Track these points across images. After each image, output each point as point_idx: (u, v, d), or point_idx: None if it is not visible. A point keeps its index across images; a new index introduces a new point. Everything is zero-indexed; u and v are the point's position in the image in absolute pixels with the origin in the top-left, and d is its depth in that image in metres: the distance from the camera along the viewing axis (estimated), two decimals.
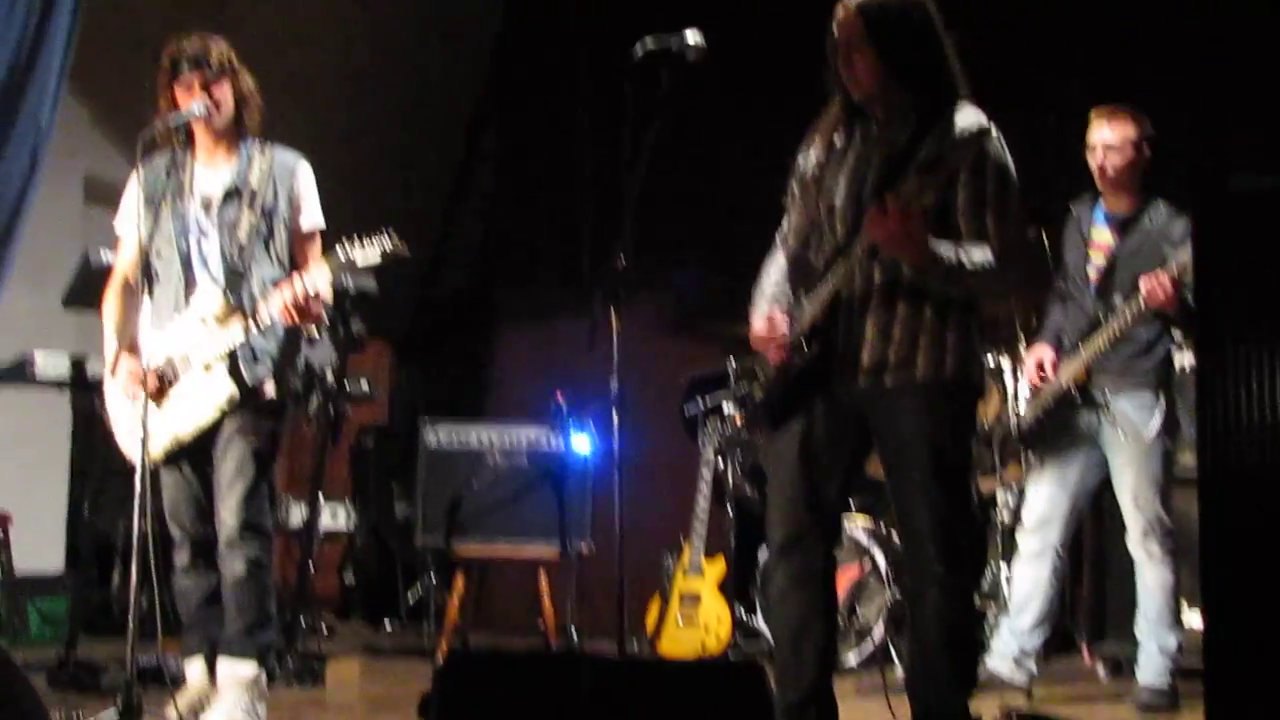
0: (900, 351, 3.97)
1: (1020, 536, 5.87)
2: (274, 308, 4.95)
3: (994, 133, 3.92)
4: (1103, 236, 5.83)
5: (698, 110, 7.19)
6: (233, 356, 5.05)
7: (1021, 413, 5.90)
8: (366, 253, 4.87)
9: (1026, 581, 5.78)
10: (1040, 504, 5.81)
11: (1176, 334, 5.78)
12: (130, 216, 5.18)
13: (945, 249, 3.84)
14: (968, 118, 3.95)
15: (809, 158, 4.22)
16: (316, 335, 5.33)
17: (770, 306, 4.22)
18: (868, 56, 3.99)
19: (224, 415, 5.08)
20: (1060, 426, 5.76)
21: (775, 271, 4.33)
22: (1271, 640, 2.93)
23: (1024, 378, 6.00)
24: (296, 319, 4.97)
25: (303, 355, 5.33)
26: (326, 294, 5.13)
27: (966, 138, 3.77)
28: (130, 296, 5.17)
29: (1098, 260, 5.81)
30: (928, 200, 3.77)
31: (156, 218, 5.08)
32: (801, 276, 4.21)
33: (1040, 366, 5.82)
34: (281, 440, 5.27)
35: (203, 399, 5.07)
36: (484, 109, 10.92)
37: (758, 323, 4.17)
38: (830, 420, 4.10)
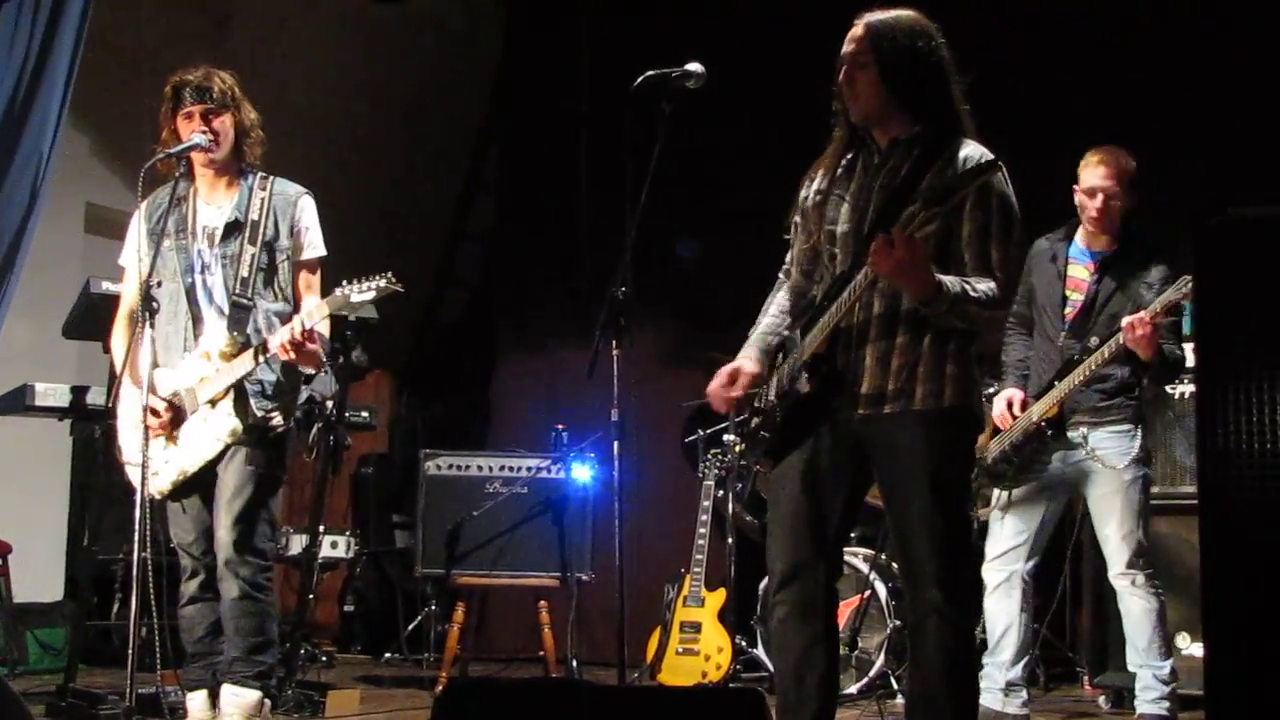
0: (899, 381, 3.96)
1: (985, 571, 5.82)
2: (273, 345, 4.97)
3: (999, 166, 3.93)
4: (1080, 274, 5.81)
5: (700, 140, 7.24)
6: (239, 390, 5.06)
7: (989, 449, 5.84)
8: (363, 292, 4.88)
9: (1001, 615, 5.75)
10: (1004, 537, 5.78)
11: None
12: (133, 250, 5.19)
13: (949, 279, 3.84)
14: (971, 150, 3.96)
15: (811, 187, 4.22)
16: (312, 373, 5.33)
17: (747, 357, 4.24)
18: (869, 74, 4.01)
19: (229, 447, 5.09)
20: (1029, 461, 5.73)
21: (774, 307, 4.34)
22: (1273, 667, 2.92)
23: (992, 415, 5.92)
24: (293, 357, 4.98)
25: (312, 388, 5.34)
26: (325, 330, 5.16)
27: (973, 168, 3.77)
28: (136, 329, 5.18)
29: (1074, 298, 5.79)
30: (931, 229, 3.77)
31: (157, 251, 5.09)
32: (803, 306, 4.21)
33: (1009, 406, 5.78)
34: (285, 468, 5.27)
35: (209, 433, 5.08)
36: (484, 139, 10.96)
37: (722, 371, 4.20)
38: (831, 450, 4.08)
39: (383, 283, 4.87)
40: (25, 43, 6.46)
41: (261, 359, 5.02)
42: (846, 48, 4.07)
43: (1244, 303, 3.07)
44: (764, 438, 4.20)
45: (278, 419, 5.15)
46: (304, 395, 5.37)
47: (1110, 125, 6.91)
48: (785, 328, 4.24)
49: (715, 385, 4.22)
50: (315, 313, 4.97)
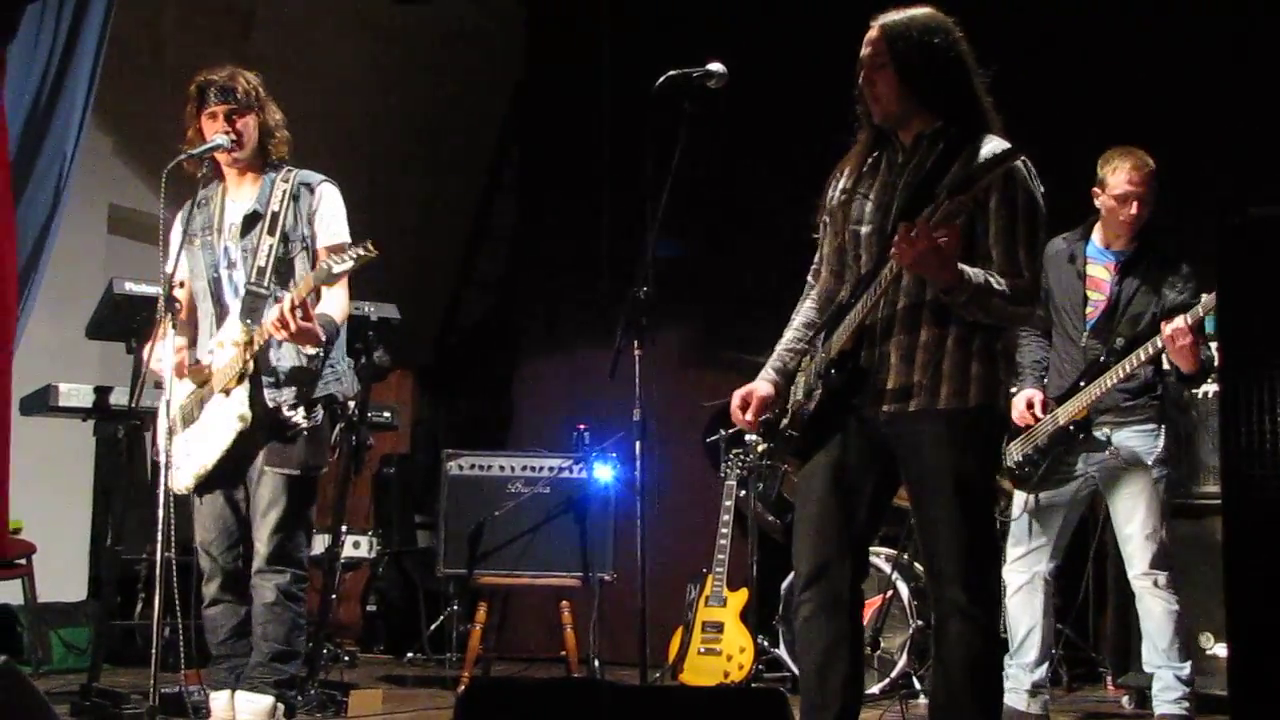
0: (923, 378, 3.95)
1: (1007, 573, 5.80)
2: (266, 323, 4.92)
3: (1024, 161, 3.92)
4: (1100, 274, 5.79)
5: (722, 140, 7.23)
6: (253, 379, 5.05)
7: (1010, 451, 5.82)
8: (342, 262, 4.82)
9: (1024, 616, 5.73)
10: (1027, 539, 5.77)
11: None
12: (173, 256, 5.21)
13: (972, 271, 3.83)
14: (995, 145, 3.94)
15: (836, 186, 4.22)
16: (314, 353, 5.18)
17: (762, 378, 4.25)
18: (888, 75, 4.01)
19: (246, 440, 5.06)
20: (1056, 463, 5.71)
21: (799, 319, 4.33)
22: None
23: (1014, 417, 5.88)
24: (286, 335, 4.88)
25: (327, 383, 5.26)
26: (339, 311, 5.11)
27: (993, 157, 3.76)
28: (184, 332, 5.19)
29: (1096, 298, 5.77)
30: (958, 220, 3.76)
31: (182, 250, 5.12)
32: (830, 305, 4.20)
33: (1030, 406, 5.76)
34: (319, 471, 5.21)
35: (223, 422, 5.07)
36: (506, 139, 10.97)
37: (737, 394, 4.21)
38: (857, 449, 4.07)
39: (361, 251, 4.76)
40: (49, 44, 6.49)
41: (259, 341, 4.97)
42: (864, 51, 4.07)
43: (1267, 302, 3.06)
44: (791, 437, 4.19)
45: (298, 415, 5.10)
46: (323, 389, 5.25)
47: (1129, 122, 6.89)
48: (808, 341, 4.24)
49: (732, 408, 4.24)
50: (302, 287, 4.89)
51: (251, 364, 5.03)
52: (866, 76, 4.05)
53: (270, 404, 5.07)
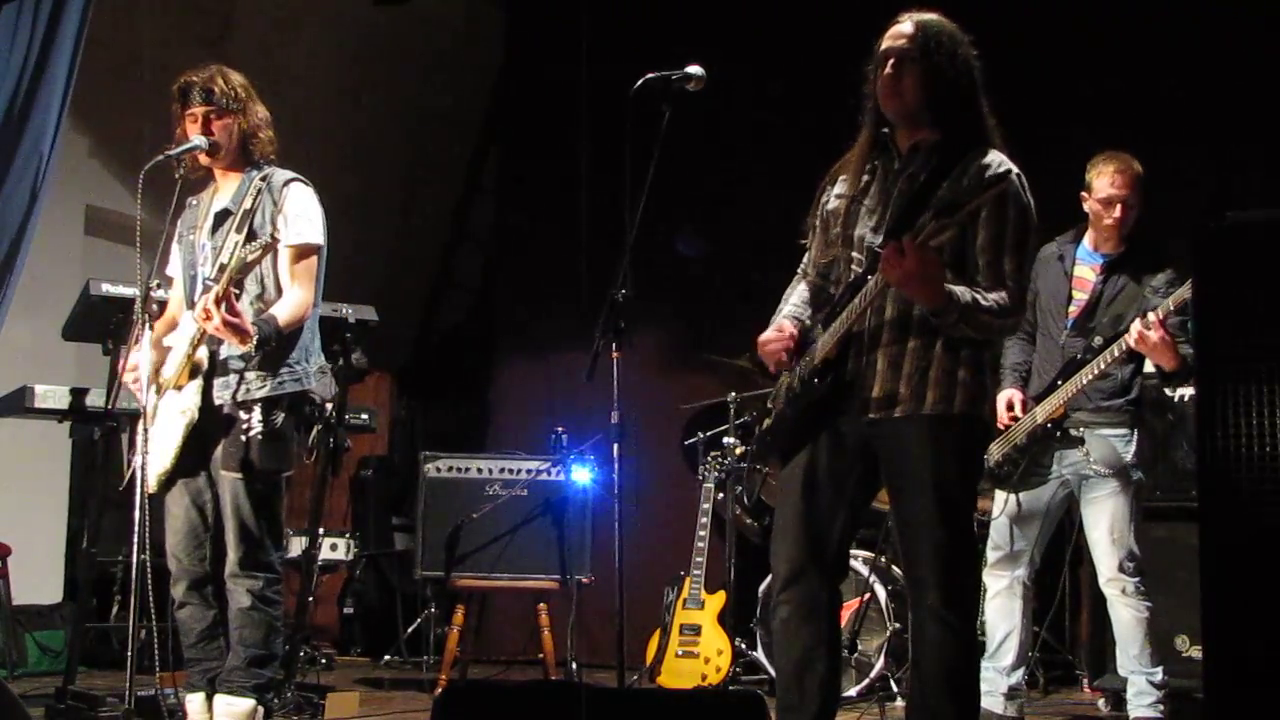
0: (910, 384, 3.95)
1: (986, 575, 5.82)
2: (195, 312, 4.84)
3: (1016, 175, 3.93)
4: (1087, 274, 5.83)
5: (702, 143, 7.23)
6: (207, 376, 5.01)
7: (991, 451, 5.83)
8: (253, 251, 4.74)
9: (1002, 620, 5.75)
10: (1006, 540, 5.78)
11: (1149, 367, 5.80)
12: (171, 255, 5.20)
13: (959, 289, 3.83)
14: (991, 159, 3.96)
15: (831, 191, 4.22)
16: (246, 349, 4.95)
17: (783, 320, 4.22)
18: (916, 72, 4.00)
19: (202, 439, 5.01)
20: (1033, 463, 5.73)
21: (795, 297, 4.33)
22: (1273, 671, 2.92)
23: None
24: (212, 329, 4.78)
25: (304, 385, 5.21)
26: (287, 313, 5.00)
27: (988, 180, 3.76)
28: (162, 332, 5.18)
29: (1080, 297, 5.80)
30: (946, 238, 3.75)
31: (164, 251, 5.10)
32: (820, 309, 4.21)
33: (1010, 407, 5.78)
34: (278, 475, 5.15)
35: (173, 420, 5.03)
36: (484, 142, 10.96)
37: (768, 332, 4.18)
38: (839, 453, 4.08)
39: (265, 240, 4.74)
40: (25, 44, 6.45)
41: (199, 333, 4.90)
42: (894, 43, 4.05)
43: (1243, 306, 3.08)
44: (773, 440, 4.20)
45: (252, 417, 5.06)
46: (278, 389, 5.09)
47: (1113, 126, 6.91)
48: (808, 318, 4.23)
49: (768, 345, 4.16)
50: (223, 280, 4.77)
51: (205, 360, 4.99)
52: (895, 68, 4.03)
53: (216, 401, 5.04)
